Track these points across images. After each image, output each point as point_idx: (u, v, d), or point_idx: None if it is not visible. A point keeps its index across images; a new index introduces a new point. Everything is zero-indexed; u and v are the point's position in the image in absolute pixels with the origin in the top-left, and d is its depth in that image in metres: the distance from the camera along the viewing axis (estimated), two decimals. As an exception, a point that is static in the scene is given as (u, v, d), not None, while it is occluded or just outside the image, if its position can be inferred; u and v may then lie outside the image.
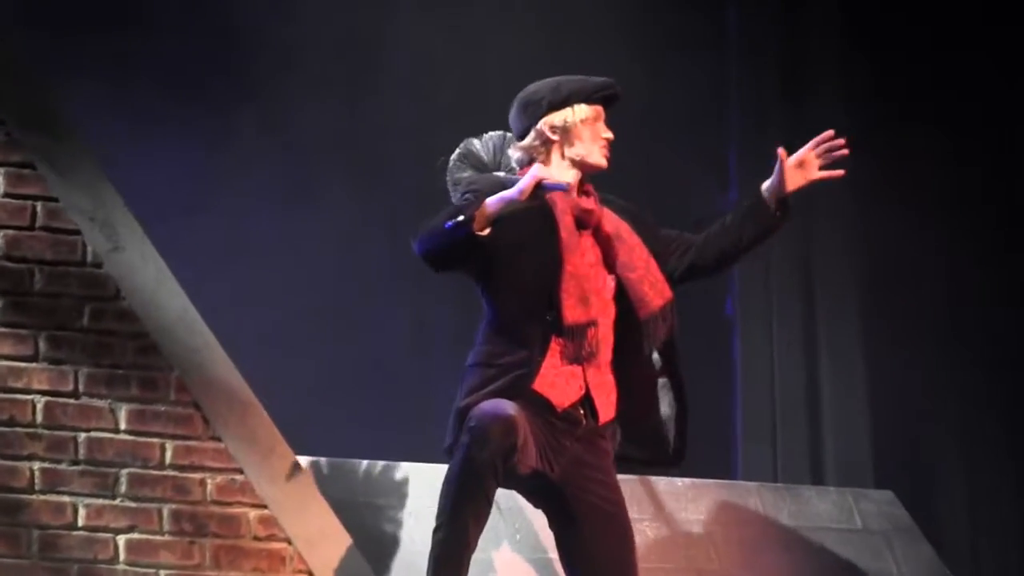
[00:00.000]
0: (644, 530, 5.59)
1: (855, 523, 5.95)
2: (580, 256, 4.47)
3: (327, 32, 7.19)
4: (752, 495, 5.92)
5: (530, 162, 4.54)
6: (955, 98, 7.49)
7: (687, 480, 5.85)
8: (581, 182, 4.60)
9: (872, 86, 7.42)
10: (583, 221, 4.53)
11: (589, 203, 4.55)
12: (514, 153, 4.60)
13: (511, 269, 4.41)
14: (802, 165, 4.57)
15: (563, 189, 4.35)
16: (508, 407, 4.23)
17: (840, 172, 4.59)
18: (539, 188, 4.26)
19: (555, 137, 4.54)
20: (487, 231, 4.27)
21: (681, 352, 4.56)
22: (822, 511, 5.95)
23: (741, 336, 7.44)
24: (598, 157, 4.57)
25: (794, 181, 4.56)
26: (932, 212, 7.42)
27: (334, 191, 7.10)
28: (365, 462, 5.52)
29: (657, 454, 4.59)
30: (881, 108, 7.46)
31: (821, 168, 4.58)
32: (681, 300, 4.59)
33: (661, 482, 5.82)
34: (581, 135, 4.54)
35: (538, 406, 4.38)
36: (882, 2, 7.50)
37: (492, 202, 4.30)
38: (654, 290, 4.49)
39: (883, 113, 7.46)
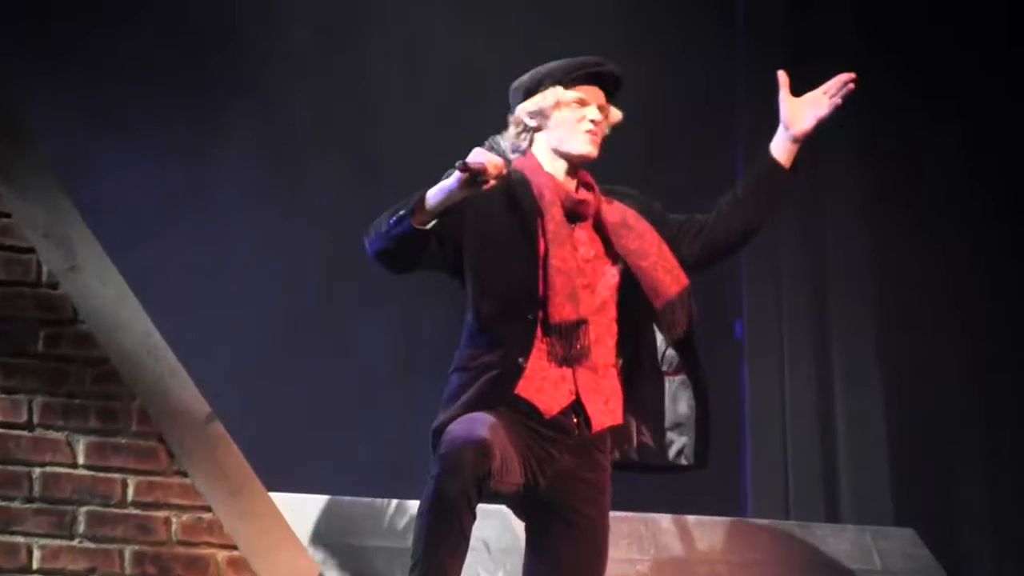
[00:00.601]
0: (646, 571, 5.54)
1: (874, 563, 5.86)
2: (571, 250, 4.32)
3: (311, 30, 7.13)
4: (763, 533, 5.85)
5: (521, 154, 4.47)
6: (973, 103, 7.37)
7: (692, 517, 5.78)
8: (576, 171, 4.46)
9: (886, 89, 7.25)
10: (577, 212, 4.39)
11: (584, 193, 4.42)
12: (505, 144, 4.48)
13: (491, 265, 4.29)
14: (811, 104, 4.44)
15: (479, 175, 4.08)
16: (481, 427, 4.06)
17: (840, 100, 4.43)
18: (475, 176, 4.07)
19: (533, 123, 4.44)
20: (431, 224, 4.15)
21: (699, 346, 4.42)
22: (839, 550, 5.87)
23: (750, 362, 7.32)
24: (580, 144, 4.41)
25: (802, 121, 4.42)
26: (951, 228, 7.30)
27: (313, 203, 6.98)
28: (346, 499, 5.45)
29: (675, 460, 4.43)
30: (895, 113, 7.35)
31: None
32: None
33: (665, 519, 5.76)
34: (558, 119, 4.41)
35: (523, 412, 4.24)
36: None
37: (431, 194, 4.17)
38: (670, 276, 4.37)
39: (897, 118, 7.36)
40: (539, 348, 4.25)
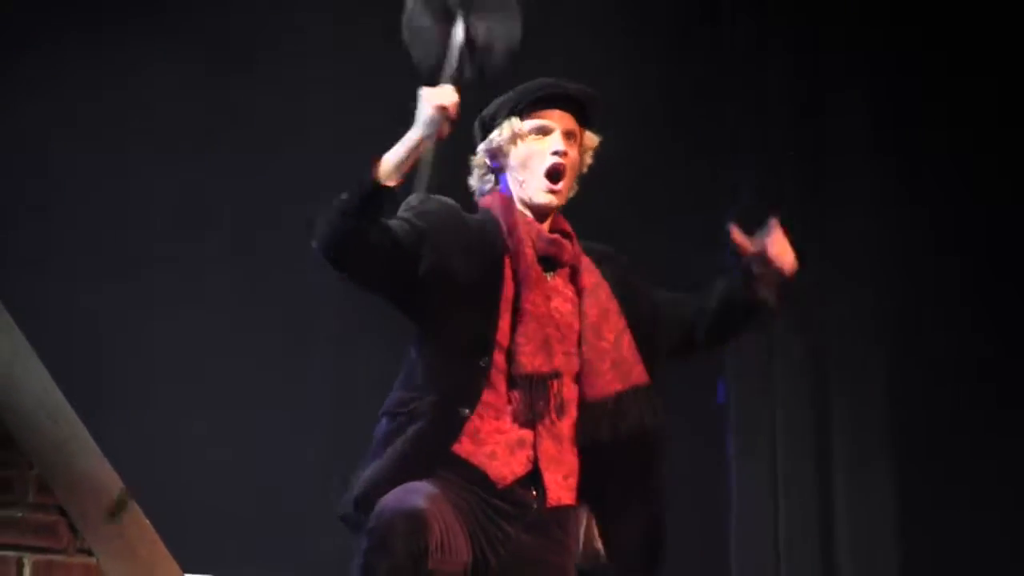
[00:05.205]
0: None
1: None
2: (542, 296, 4.02)
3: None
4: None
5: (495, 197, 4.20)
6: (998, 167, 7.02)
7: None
8: (546, 216, 4.14)
9: (897, 170, 6.96)
10: (550, 256, 4.08)
11: (562, 239, 4.12)
12: (472, 187, 4.25)
13: (445, 304, 3.96)
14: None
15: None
16: (417, 497, 3.77)
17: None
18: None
19: (494, 164, 4.17)
20: (394, 182, 3.85)
21: (657, 474, 4.04)
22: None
23: (736, 430, 6.87)
24: (536, 193, 4.11)
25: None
26: (971, 281, 6.90)
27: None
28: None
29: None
30: (906, 172, 7.02)
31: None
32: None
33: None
34: (517, 156, 4.12)
35: (472, 479, 3.92)
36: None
37: (388, 156, 3.88)
38: (616, 370, 4.02)
39: (908, 174, 7.02)
40: (494, 404, 3.93)
